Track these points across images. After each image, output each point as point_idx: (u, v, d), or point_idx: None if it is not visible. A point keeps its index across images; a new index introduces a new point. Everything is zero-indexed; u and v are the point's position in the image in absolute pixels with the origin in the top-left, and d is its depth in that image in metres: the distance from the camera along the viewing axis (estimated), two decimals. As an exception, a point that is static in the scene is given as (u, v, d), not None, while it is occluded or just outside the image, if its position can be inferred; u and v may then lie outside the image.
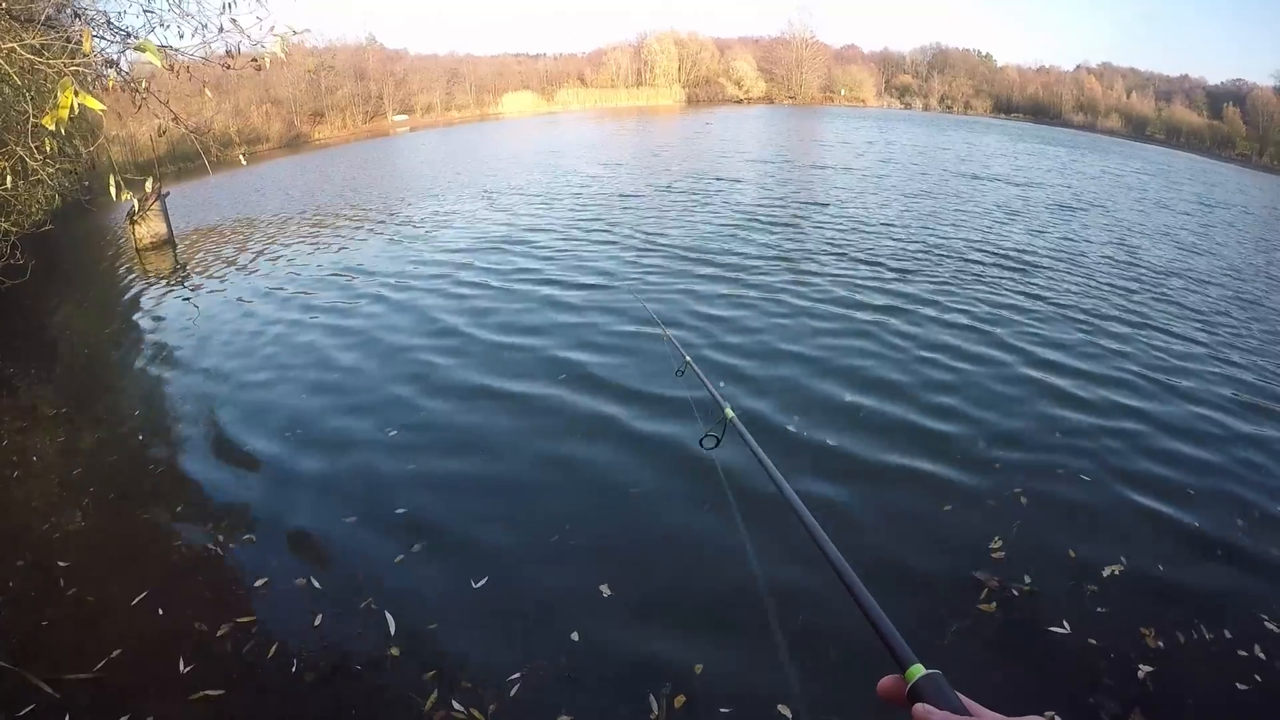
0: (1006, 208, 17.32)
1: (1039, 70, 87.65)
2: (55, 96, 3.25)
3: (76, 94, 3.25)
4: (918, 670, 0.83)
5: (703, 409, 3.60)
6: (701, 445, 2.21)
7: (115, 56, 5.04)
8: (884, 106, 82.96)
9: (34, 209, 13.01)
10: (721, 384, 6.88)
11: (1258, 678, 3.70)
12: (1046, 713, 3.39)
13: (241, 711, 3.63)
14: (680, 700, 3.53)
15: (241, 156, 9.19)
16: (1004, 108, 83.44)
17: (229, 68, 4.94)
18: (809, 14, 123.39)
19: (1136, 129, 74.10)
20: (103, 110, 3.46)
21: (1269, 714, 3.54)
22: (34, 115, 5.15)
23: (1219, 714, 3.54)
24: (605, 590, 4.30)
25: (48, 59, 4.20)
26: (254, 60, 4.75)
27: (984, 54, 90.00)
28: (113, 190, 4.00)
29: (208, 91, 6.32)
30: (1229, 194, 28.76)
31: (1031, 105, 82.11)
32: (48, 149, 5.66)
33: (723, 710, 3.49)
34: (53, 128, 3.37)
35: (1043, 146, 40.76)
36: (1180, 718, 3.52)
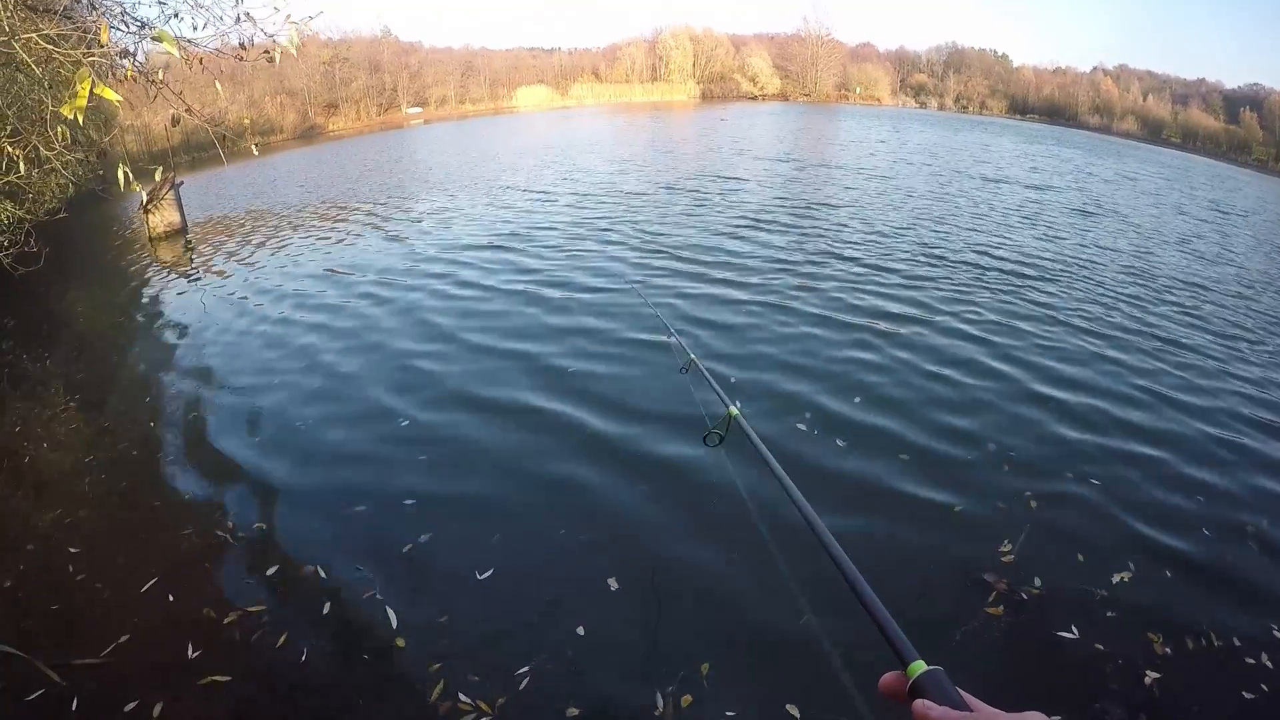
0: (1022, 214, 17.02)
1: (1055, 71, 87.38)
2: (74, 86, 3.25)
3: (94, 86, 3.26)
4: (919, 666, 0.84)
5: (707, 406, 3.61)
6: (705, 443, 2.22)
7: (131, 47, 5.05)
8: (899, 105, 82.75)
9: (48, 196, 13.09)
10: (732, 379, 6.89)
11: (1264, 686, 3.69)
12: (1054, 717, 3.38)
13: (249, 699, 3.65)
14: (687, 699, 3.53)
15: (254, 147, 9.23)
16: (1019, 108, 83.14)
17: (242, 59, 4.94)
18: (825, 11, 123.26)
19: (1152, 132, 73.79)
20: (119, 101, 3.47)
21: (1276, 722, 3.53)
22: (51, 105, 5.18)
23: (1226, 722, 3.53)
24: (613, 584, 4.31)
25: (65, 49, 4.21)
26: (266, 52, 4.75)
27: (1000, 54, 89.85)
28: (122, 180, 4.00)
29: (219, 86, 6.30)
30: (1249, 201, 28.51)
31: (1047, 106, 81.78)
32: (60, 137, 5.68)
33: (729, 713, 3.49)
34: (71, 116, 3.38)
35: (1058, 149, 40.55)
36: (1187, 725, 3.52)
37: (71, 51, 4.02)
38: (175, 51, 3.82)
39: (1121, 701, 3.54)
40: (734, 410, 2.17)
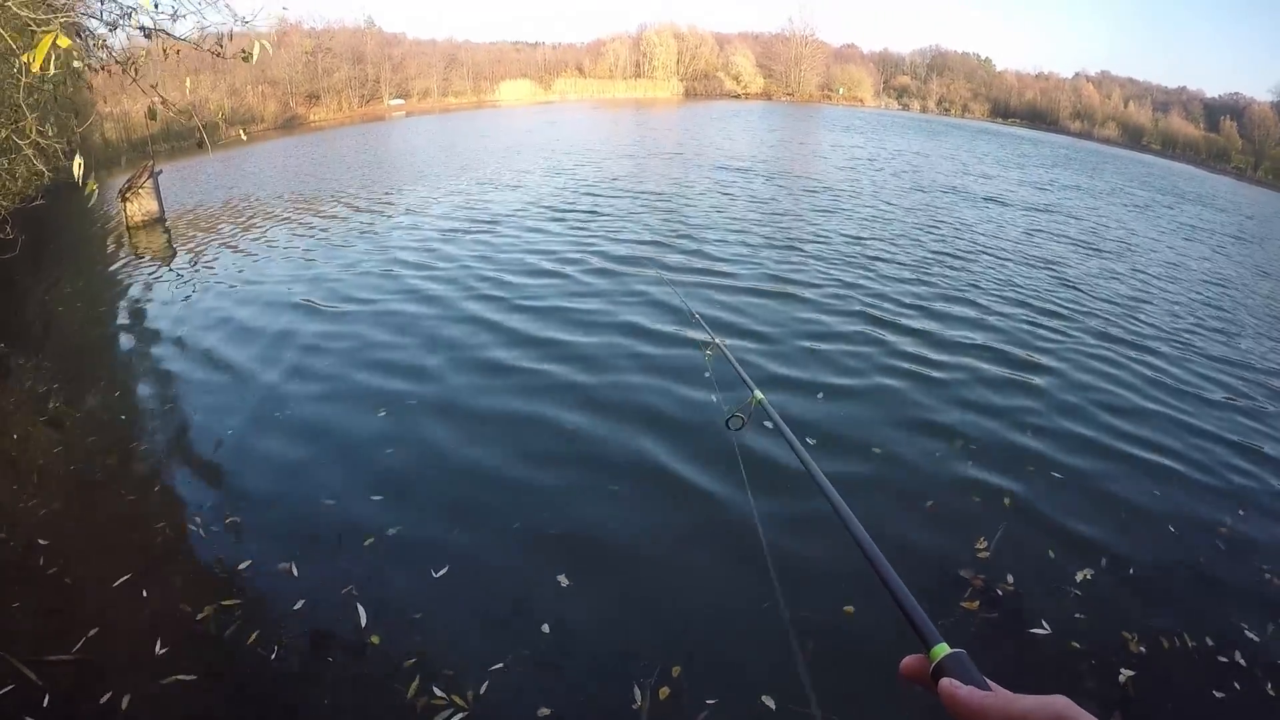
0: (1022, 244, 15.05)
1: (1037, 76, 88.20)
2: (35, 47, 3.13)
3: (57, 38, 3.13)
4: (943, 649, 0.84)
5: (726, 390, 3.57)
6: (728, 426, 2.22)
7: (109, 30, 4.98)
8: (882, 107, 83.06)
9: (20, 185, 12.88)
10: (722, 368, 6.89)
11: (1237, 684, 3.74)
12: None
13: (221, 695, 3.61)
14: (664, 692, 3.53)
15: (243, 132, 9.12)
16: (1001, 112, 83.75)
17: (218, 55, 4.88)
18: (809, 12, 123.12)
19: (1133, 138, 74.60)
20: (76, 49, 3.32)
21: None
22: (23, 77, 5.07)
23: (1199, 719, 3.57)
24: (568, 578, 4.31)
25: (36, 13, 4.10)
26: (243, 52, 4.69)
27: (983, 58, 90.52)
28: (76, 172, 3.82)
29: (189, 82, 6.16)
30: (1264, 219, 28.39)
31: (1029, 111, 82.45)
32: (31, 132, 5.57)
33: (709, 701, 3.49)
34: (37, 69, 3.23)
35: (1039, 151, 40.87)
36: (1160, 723, 3.56)
37: (45, 16, 3.93)
38: (150, 21, 3.72)
39: (1096, 698, 3.57)
40: (759, 395, 2.16)
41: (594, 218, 14.36)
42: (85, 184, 3.96)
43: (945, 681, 0.80)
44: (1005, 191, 21.67)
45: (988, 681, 0.79)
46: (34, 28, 3.94)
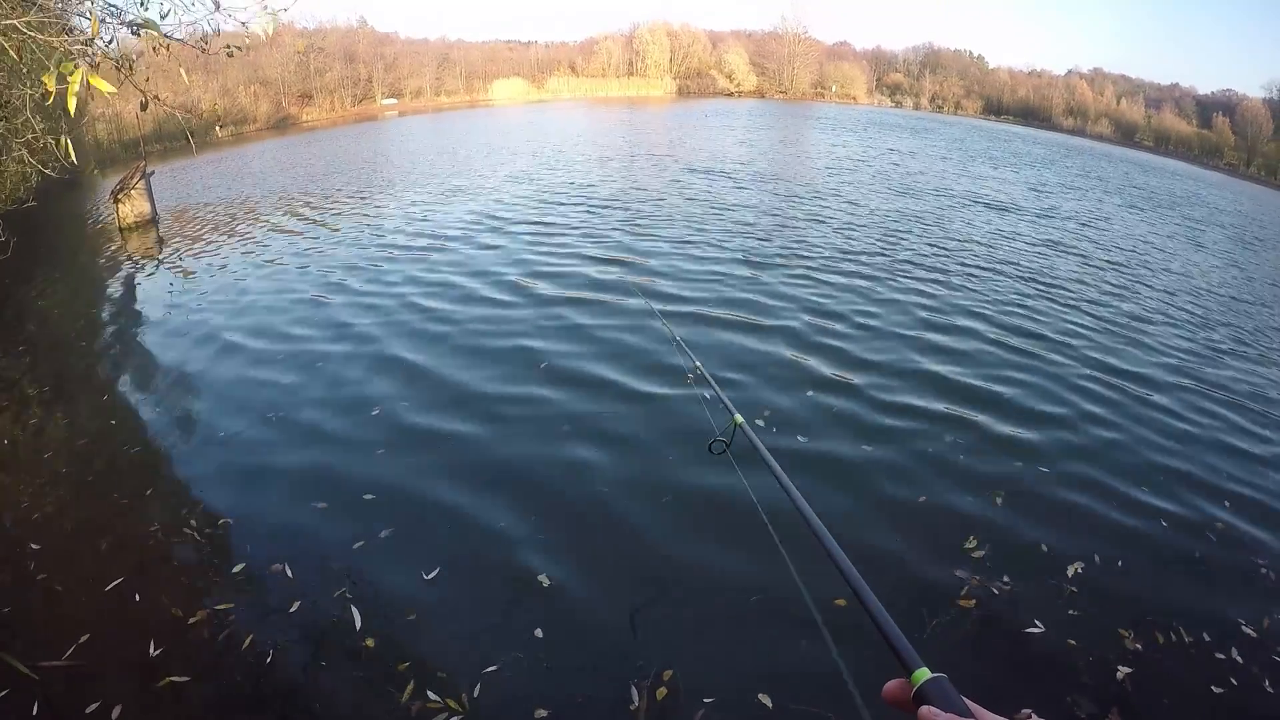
0: (1013, 254, 14.15)
1: (1030, 73, 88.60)
2: (53, 70, 3.13)
3: (86, 71, 3.14)
4: (924, 674, 0.84)
5: (714, 415, 3.57)
6: (711, 450, 2.23)
7: (104, 33, 4.96)
8: (875, 104, 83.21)
9: (9, 186, 12.84)
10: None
11: (1233, 680, 3.74)
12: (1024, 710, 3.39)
13: (214, 700, 3.58)
14: (661, 692, 3.52)
15: (218, 130, 9.11)
16: (994, 109, 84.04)
17: (204, 50, 4.86)
18: (802, 10, 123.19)
19: (1125, 135, 74.98)
20: (112, 93, 3.36)
21: (1245, 716, 3.56)
22: (29, 90, 5.04)
23: (1196, 716, 3.56)
24: (551, 580, 4.30)
25: (50, 36, 4.09)
26: (228, 47, 4.69)
27: (976, 55, 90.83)
28: (65, 146, 3.83)
29: (185, 74, 6.13)
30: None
31: (1022, 108, 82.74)
32: (22, 124, 5.55)
33: (706, 700, 3.49)
34: (54, 89, 3.23)
35: (1031, 149, 40.89)
36: (1157, 719, 3.55)
37: (59, 39, 3.92)
38: (157, 32, 3.72)
39: (1093, 696, 3.56)
40: (738, 418, 2.16)
41: (570, 230, 13.54)
42: (83, 166, 3.97)
43: (925, 709, 0.79)
44: (998, 195, 21.28)
45: (968, 705, 0.79)
46: (21, 29, 3.92)
